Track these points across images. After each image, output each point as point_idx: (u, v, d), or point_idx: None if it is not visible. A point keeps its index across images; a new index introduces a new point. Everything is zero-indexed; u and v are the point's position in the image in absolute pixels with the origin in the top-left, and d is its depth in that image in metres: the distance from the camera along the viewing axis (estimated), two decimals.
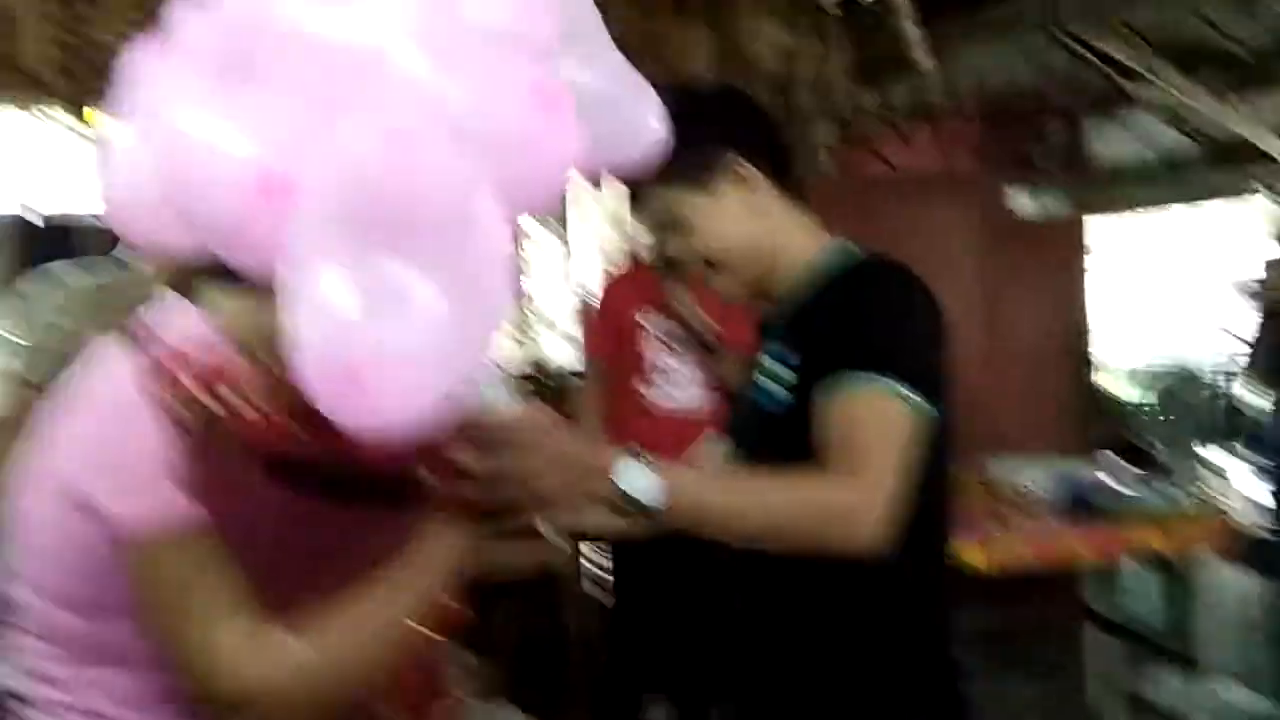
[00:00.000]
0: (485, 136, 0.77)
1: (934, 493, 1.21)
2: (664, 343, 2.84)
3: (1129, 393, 3.52)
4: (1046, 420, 3.65)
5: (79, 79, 3.22)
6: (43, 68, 3.77)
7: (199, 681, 0.85)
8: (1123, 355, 3.61)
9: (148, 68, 0.89)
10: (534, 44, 0.87)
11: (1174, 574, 3.38)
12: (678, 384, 2.81)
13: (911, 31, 4.61)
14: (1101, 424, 3.69)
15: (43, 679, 0.96)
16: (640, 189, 1.28)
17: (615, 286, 3.04)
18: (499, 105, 0.80)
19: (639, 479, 0.96)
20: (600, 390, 2.93)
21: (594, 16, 1.01)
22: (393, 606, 0.87)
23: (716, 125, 1.29)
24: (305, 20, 0.80)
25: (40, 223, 3.83)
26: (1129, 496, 2.85)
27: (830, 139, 4.57)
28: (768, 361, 1.28)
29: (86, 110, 3.20)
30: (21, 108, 4.18)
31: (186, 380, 0.79)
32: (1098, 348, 3.90)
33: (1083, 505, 2.76)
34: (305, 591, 0.86)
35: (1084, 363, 3.87)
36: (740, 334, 2.76)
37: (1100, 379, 3.70)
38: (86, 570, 0.89)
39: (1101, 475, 2.97)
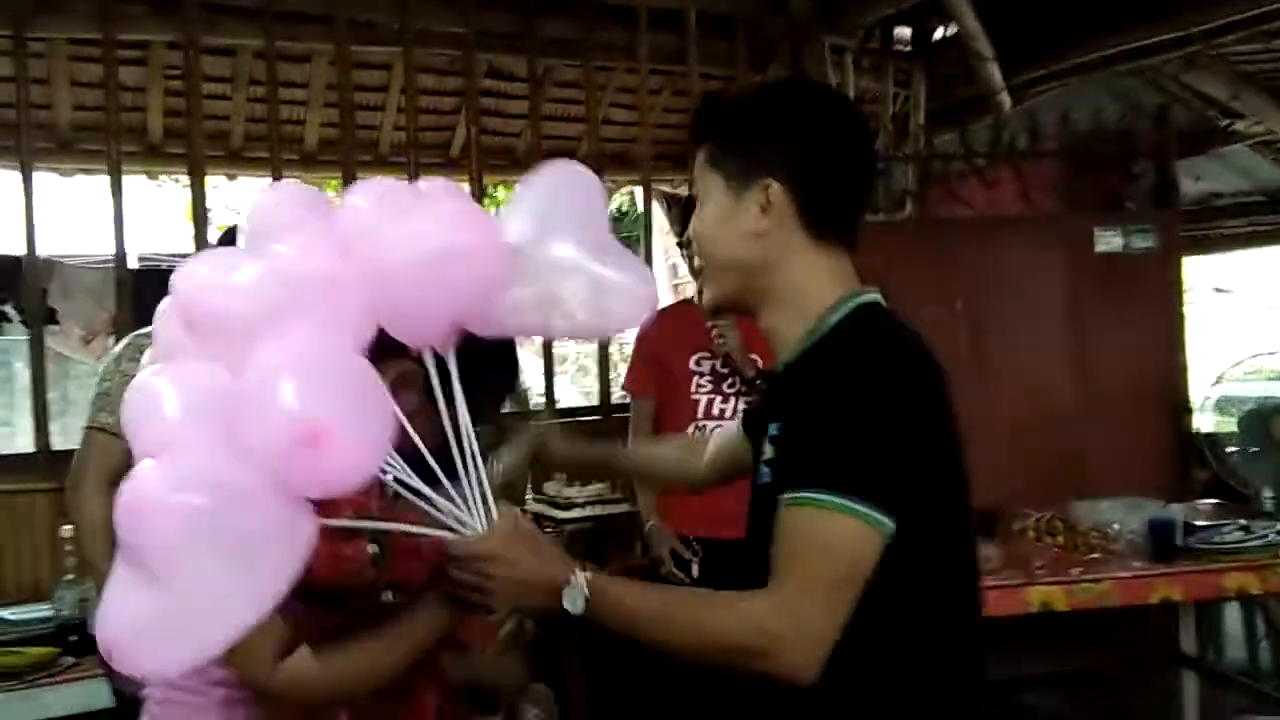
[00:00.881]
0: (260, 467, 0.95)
1: (913, 604, 1.12)
2: (715, 386, 2.90)
3: (1227, 434, 3.43)
4: (1142, 463, 3.58)
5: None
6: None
7: (242, 674, 1.18)
8: (1221, 395, 3.53)
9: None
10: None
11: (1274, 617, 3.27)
12: (726, 424, 2.79)
13: (993, 74, 4.64)
14: (1200, 466, 3.60)
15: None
16: (697, 144, 1.25)
17: (662, 325, 2.89)
18: (265, 447, 0.94)
19: (576, 600, 1.12)
20: (649, 427, 2.96)
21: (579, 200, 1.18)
22: (383, 650, 1.20)
23: (773, 141, 1.19)
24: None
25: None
26: (1223, 538, 2.78)
27: (911, 182, 4.61)
28: (766, 431, 1.22)
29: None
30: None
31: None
32: (1195, 388, 3.82)
33: (1172, 547, 2.70)
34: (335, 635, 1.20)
35: (1180, 404, 3.80)
36: None
37: (1197, 420, 3.62)
38: None
39: (1193, 517, 2.91)
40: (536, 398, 4.00)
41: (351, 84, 3.72)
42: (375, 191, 1.13)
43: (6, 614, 2.67)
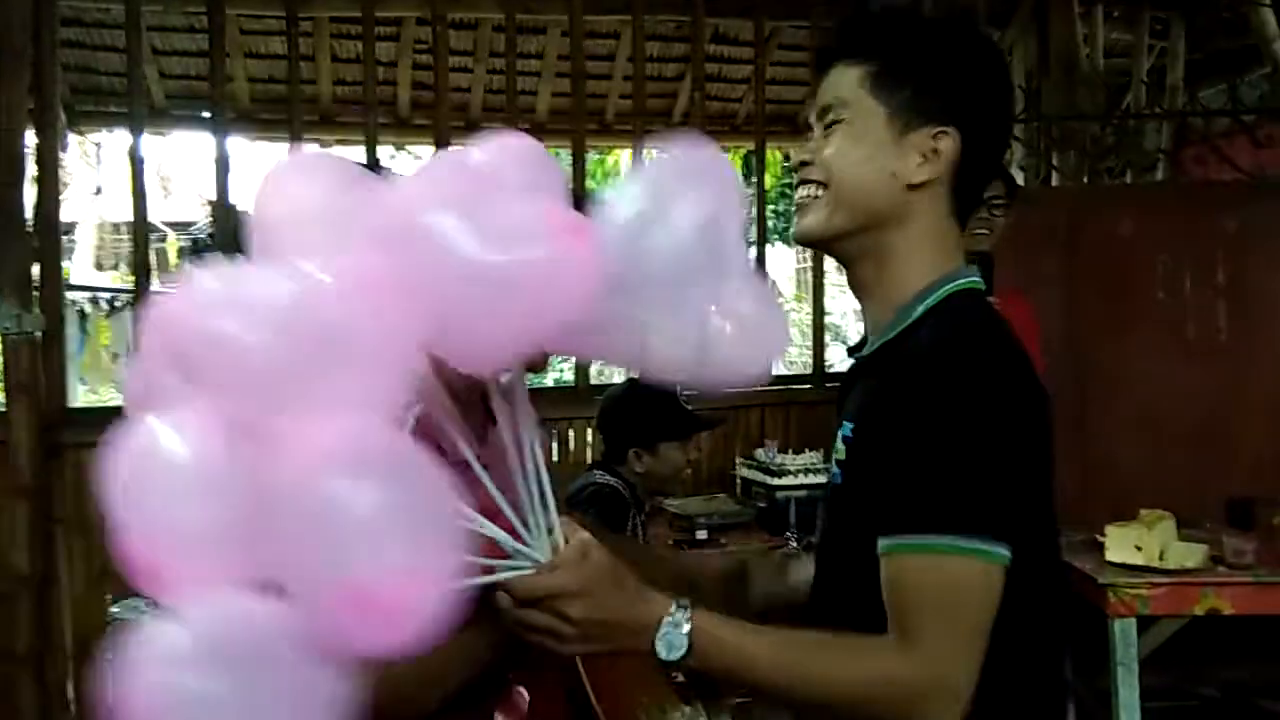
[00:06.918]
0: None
1: (1018, 627, 0.99)
2: None
3: None
4: None
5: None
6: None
7: None
8: None
9: None
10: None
11: None
12: None
13: (1267, 21, 4.19)
14: None
15: None
16: (840, 57, 1.06)
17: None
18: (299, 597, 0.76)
19: (675, 644, 0.94)
20: None
21: (738, 237, 0.93)
22: (430, 675, 1.01)
23: (963, 84, 1.03)
24: None
25: None
26: None
27: (1165, 142, 4.25)
28: (841, 427, 1.08)
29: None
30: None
31: None
32: None
33: None
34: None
35: None
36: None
37: None
38: None
39: None
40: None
41: (583, 51, 3.82)
42: (435, 175, 0.89)
43: None
